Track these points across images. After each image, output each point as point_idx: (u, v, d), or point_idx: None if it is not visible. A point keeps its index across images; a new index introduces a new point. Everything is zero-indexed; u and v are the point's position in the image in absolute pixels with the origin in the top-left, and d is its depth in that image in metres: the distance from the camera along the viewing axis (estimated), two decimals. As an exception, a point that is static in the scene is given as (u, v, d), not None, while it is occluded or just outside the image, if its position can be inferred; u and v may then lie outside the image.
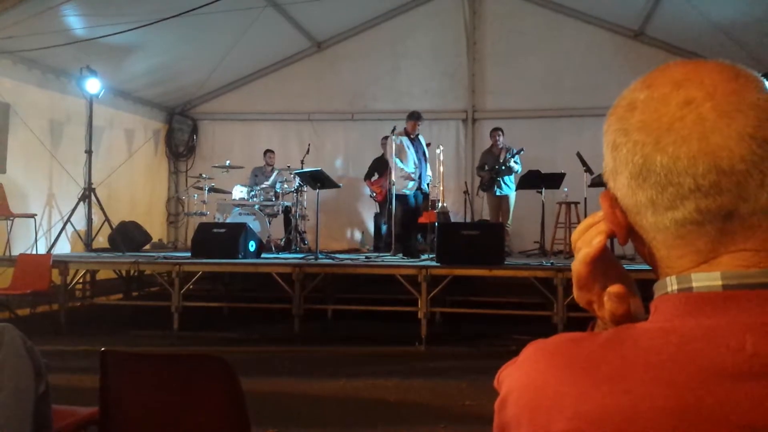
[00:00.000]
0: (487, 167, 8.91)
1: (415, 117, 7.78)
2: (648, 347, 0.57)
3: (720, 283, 0.58)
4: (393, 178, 7.65)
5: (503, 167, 8.71)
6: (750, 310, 0.56)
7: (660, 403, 0.53)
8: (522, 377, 0.63)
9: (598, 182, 7.85)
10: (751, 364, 0.53)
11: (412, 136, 7.76)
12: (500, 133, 8.96)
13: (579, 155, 8.04)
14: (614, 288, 0.69)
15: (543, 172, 8.28)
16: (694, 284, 0.60)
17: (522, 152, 8.71)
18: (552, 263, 6.74)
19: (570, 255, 8.21)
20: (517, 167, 8.75)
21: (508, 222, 8.84)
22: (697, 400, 0.53)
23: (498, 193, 8.84)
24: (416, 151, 7.75)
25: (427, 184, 8.16)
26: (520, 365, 0.65)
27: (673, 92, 0.60)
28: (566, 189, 8.40)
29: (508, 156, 8.71)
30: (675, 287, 0.61)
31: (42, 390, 1.97)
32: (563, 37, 9.95)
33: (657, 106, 0.61)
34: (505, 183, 8.80)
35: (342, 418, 4.23)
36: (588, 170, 8.02)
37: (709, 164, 0.57)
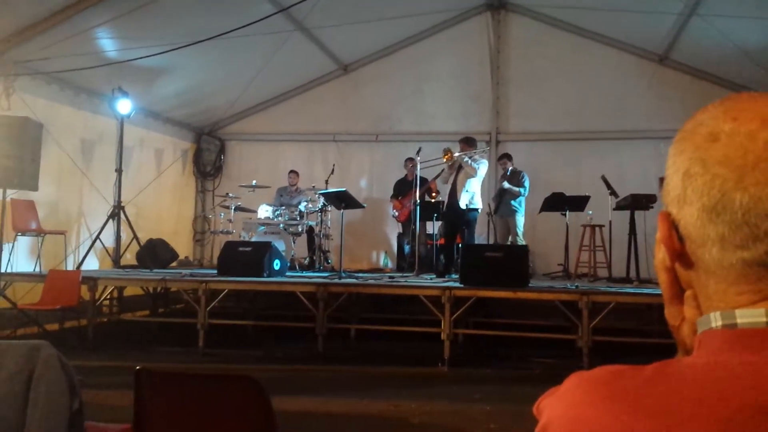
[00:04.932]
0: None
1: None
2: (692, 383, 0.57)
3: (764, 319, 0.58)
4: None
5: (501, 190, 8.79)
6: None
7: None
8: (563, 408, 0.63)
9: (623, 205, 7.79)
10: None
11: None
12: (504, 159, 8.98)
13: (604, 178, 8.00)
14: (689, 291, 0.68)
15: (567, 194, 8.23)
16: (738, 320, 0.60)
17: (506, 174, 8.81)
18: (577, 286, 6.67)
19: (594, 278, 8.14)
20: (515, 189, 8.67)
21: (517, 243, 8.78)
22: None
23: (501, 215, 8.86)
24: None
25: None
26: (561, 396, 0.65)
27: (762, 130, 0.58)
28: (590, 212, 8.35)
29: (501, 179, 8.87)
30: (719, 323, 0.61)
31: (76, 407, 2.01)
32: (587, 60, 9.93)
33: (743, 141, 0.58)
34: (508, 205, 8.76)
35: (365, 440, 4.22)
36: (613, 193, 7.97)
37: None
